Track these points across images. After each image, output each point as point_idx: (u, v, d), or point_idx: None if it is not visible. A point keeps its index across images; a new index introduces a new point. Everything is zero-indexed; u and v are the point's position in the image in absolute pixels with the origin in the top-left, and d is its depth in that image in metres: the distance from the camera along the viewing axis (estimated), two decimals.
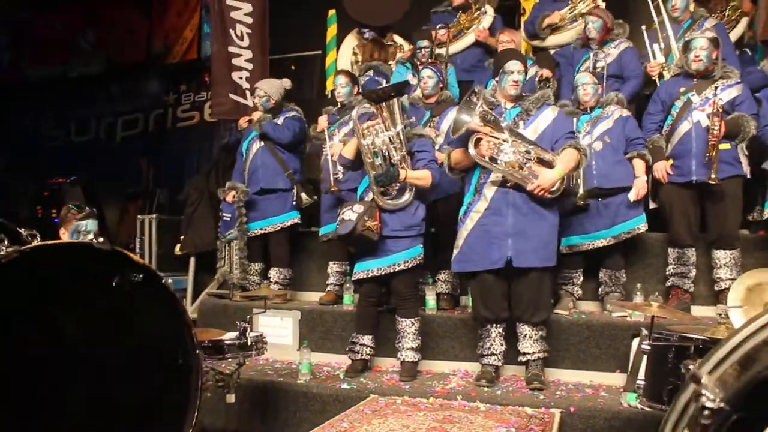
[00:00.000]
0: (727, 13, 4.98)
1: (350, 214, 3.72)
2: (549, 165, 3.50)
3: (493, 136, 3.46)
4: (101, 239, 2.10)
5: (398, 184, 3.79)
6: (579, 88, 4.26)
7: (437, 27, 5.14)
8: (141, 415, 2.22)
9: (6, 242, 1.96)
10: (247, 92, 5.71)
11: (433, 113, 4.51)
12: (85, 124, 8.05)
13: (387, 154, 3.77)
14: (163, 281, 2.31)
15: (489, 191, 3.57)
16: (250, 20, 5.68)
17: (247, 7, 5.70)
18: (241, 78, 5.74)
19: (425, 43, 5.04)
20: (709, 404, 1.03)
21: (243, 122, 5.30)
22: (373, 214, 3.73)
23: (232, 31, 5.67)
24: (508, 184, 3.52)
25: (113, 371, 2.15)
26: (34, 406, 1.97)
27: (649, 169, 4.20)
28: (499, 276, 3.60)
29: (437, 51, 5.08)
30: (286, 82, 5.06)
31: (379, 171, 3.75)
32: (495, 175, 3.54)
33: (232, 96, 5.76)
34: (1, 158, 7.71)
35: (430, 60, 4.89)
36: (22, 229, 2.21)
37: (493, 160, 3.47)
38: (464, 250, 3.64)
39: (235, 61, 5.72)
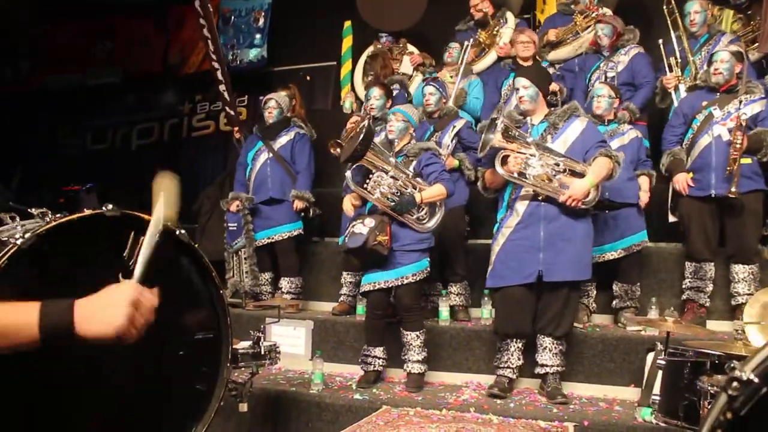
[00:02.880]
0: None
1: (361, 227, 3.73)
2: (581, 176, 3.49)
3: (519, 152, 3.46)
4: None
5: (421, 207, 3.81)
6: (593, 100, 4.26)
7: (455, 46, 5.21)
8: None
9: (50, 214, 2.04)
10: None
11: (435, 128, 4.53)
12: (101, 132, 8.12)
13: (398, 191, 3.79)
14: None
15: (521, 206, 3.56)
16: (209, 35, 5.82)
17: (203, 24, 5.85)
18: (224, 91, 5.91)
19: (455, 45, 5.17)
20: (738, 374, 0.99)
21: (237, 133, 5.71)
22: (384, 228, 3.74)
23: (206, 48, 5.93)
24: (540, 198, 3.51)
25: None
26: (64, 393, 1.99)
27: (668, 180, 4.24)
28: (529, 291, 3.58)
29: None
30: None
31: (395, 206, 3.77)
32: (526, 190, 3.54)
33: (227, 108, 5.97)
34: (18, 165, 7.78)
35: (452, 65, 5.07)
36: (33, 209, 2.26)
37: (521, 175, 3.48)
38: (496, 265, 3.63)
39: (218, 75, 5.91)
